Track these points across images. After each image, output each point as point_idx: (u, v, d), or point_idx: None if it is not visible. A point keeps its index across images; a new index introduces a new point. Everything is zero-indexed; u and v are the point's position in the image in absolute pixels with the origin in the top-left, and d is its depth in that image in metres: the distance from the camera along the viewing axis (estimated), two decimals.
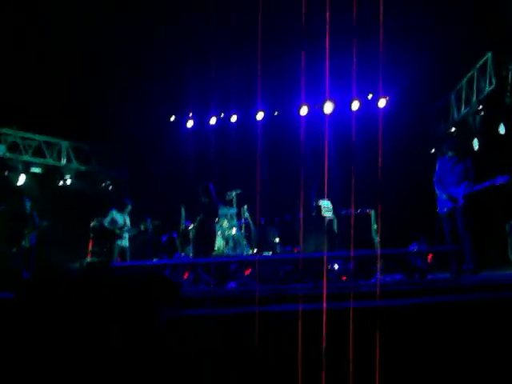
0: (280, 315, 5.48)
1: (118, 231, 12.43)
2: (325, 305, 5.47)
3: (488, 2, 11.19)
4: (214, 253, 13.06)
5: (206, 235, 11.41)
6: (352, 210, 12.98)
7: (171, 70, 14.43)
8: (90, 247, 13.00)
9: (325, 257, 7.25)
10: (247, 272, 7.77)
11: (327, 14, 9.25)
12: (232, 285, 7.99)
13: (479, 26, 11.76)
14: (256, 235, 14.36)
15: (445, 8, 11.96)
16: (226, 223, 13.73)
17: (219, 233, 13.56)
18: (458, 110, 13.58)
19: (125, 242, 12.63)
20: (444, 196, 9.66)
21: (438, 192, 9.86)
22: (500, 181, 9.01)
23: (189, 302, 5.80)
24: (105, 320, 4.70)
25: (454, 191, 9.56)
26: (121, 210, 12.78)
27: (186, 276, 7.96)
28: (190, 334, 5.28)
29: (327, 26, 9.52)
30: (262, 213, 14.44)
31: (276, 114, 16.85)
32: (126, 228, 12.61)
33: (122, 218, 12.68)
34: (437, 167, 10.06)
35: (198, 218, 11.56)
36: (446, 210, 9.71)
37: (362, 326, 5.10)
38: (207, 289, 7.35)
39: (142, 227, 13.06)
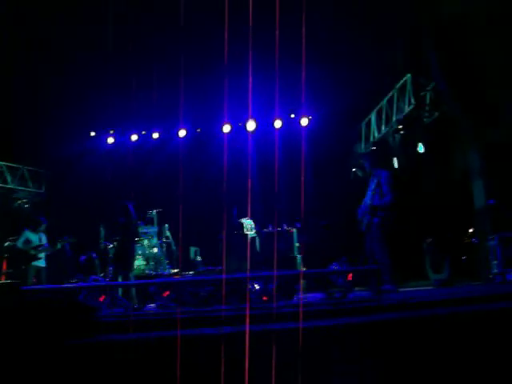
0: (199, 339, 5.33)
1: (32, 251, 11.98)
2: (247, 327, 5.36)
3: (408, 27, 11.43)
4: (134, 272, 12.78)
5: (125, 255, 11.13)
6: (274, 228, 12.95)
7: (92, 86, 14.13)
8: (4, 269, 12.52)
9: (246, 278, 7.14)
10: (166, 294, 7.56)
11: (249, 35, 9.27)
12: (151, 307, 7.78)
13: (400, 49, 12.01)
14: (177, 254, 14.16)
15: (367, 31, 12.17)
16: (146, 242, 13.49)
17: (140, 252, 13.31)
18: (379, 129, 13.79)
19: (41, 263, 12.17)
20: (362, 213, 9.74)
21: (361, 209, 9.95)
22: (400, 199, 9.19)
23: (105, 326, 5.57)
24: (9, 346, 4.44)
25: (367, 206, 9.65)
26: (35, 228, 12.33)
27: (102, 299, 7.68)
28: (105, 360, 5.07)
29: (250, 49, 9.54)
30: (184, 231, 14.25)
31: (198, 131, 16.72)
32: (41, 248, 12.16)
33: (36, 237, 12.23)
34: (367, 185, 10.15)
35: (118, 238, 11.28)
36: (364, 227, 9.79)
37: (284, 347, 5.01)
38: (124, 312, 7.11)
39: (59, 245, 12.62)
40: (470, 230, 11.78)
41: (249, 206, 12.74)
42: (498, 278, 9.59)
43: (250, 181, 14.43)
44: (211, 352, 5.06)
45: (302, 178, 11.70)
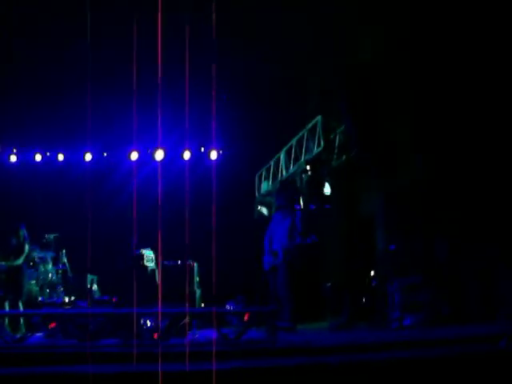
0: (84, 376, 5.02)
1: None
2: (134, 367, 5.11)
3: (320, 69, 11.57)
4: (26, 298, 12.23)
5: (16, 279, 10.66)
6: (176, 261, 12.73)
7: None
8: None
9: (136, 313, 6.85)
10: (52, 325, 7.16)
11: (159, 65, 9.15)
12: (38, 337, 7.34)
13: (312, 91, 12.13)
14: (73, 282, 13.66)
15: (279, 72, 12.27)
16: (42, 268, 12.97)
17: (34, 277, 12.77)
18: (287, 168, 13.84)
19: None
20: (269, 252, 9.69)
21: (265, 248, 9.89)
22: (312, 239, 9.23)
23: None
24: None
25: (277, 246, 9.61)
26: None
27: None
28: None
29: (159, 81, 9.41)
30: (82, 259, 13.80)
31: (105, 155, 16.31)
32: None
33: None
34: (270, 223, 10.13)
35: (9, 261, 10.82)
36: (269, 266, 9.73)
37: None
38: (2, 344, 6.67)
39: None
40: (372, 273, 11.88)
41: (159, 236, 12.44)
42: (394, 324, 9.65)
43: (159, 211, 14.14)
44: None
45: (213, 211, 11.50)
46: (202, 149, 15.89)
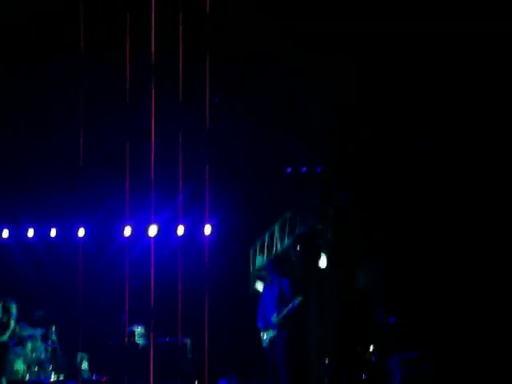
0: None
1: None
2: None
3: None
4: (13, 377, 11.92)
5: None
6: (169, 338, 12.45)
7: None
8: None
9: None
10: None
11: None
12: None
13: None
14: (63, 360, 13.29)
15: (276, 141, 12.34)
16: (30, 346, 12.64)
17: (21, 356, 12.44)
18: (282, 241, 13.69)
19: None
20: (264, 328, 9.49)
21: (259, 325, 9.70)
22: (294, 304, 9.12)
23: None
24: None
25: (271, 320, 9.41)
26: None
27: None
28: None
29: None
30: (72, 336, 13.50)
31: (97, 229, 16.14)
32: None
33: None
34: (260, 298, 9.96)
35: None
36: (266, 343, 9.51)
37: None
38: None
39: None
40: (371, 348, 11.61)
41: (152, 313, 12.21)
42: None
43: (152, 287, 13.89)
44: None
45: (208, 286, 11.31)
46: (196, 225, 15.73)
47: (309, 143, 11.81)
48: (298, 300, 9.47)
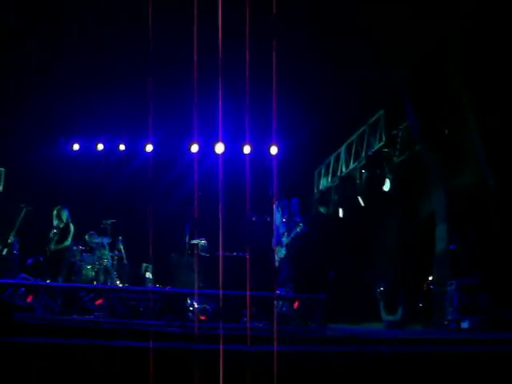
0: (128, 351, 4.94)
1: None
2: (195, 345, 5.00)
3: (383, 63, 11.31)
4: (82, 280, 12.34)
5: (57, 260, 10.77)
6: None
7: (59, 92, 13.79)
8: None
9: (185, 293, 6.75)
10: (98, 302, 7.12)
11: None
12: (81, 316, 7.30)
13: (374, 85, 11.86)
14: (128, 269, 13.72)
15: (342, 66, 12.05)
16: (97, 253, 13.04)
17: (89, 262, 12.86)
18: (347, 164, 13.58)
19: None
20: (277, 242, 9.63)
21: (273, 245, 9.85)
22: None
23: (24, 328, 5.13)
24: None
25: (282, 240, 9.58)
26: None
27: (29, 299, 7.23)
28: (19, 364, 4.65)
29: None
30: (138, 246, 13.87)
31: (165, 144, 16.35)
32: None
33: None
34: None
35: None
36: (277, 260, 9.66)
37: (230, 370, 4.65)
38: (48, 316, 6.66)
39: (11, 239, 12.24)
40: (430, 277, 11.55)
41: (220, 228, 12.39)
42: (452, 325, 9.31)
43: (220, 202, 14.05)
44: (137, 365, 4.70)
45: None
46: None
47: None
48: (300, 227, 9.53)
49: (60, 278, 10.71)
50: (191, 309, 6.95)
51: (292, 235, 9.44)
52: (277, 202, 10.19)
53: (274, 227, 10.04)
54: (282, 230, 9.64)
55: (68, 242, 11.48)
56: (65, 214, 11.56)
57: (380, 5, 10.08)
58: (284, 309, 7.49)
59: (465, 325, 9.21)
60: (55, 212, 11.72)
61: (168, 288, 9.01)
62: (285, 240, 9.49)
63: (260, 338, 5.77)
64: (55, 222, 11.62)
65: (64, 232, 11.54)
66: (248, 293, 7.50)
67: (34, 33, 11.86)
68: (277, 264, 9.74)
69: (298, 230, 9.45)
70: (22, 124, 15.16)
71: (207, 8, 9.02)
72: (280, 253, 9.64)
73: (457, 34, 9.65)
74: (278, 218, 9.91)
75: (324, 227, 14.83)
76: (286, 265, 9.41)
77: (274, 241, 9.89)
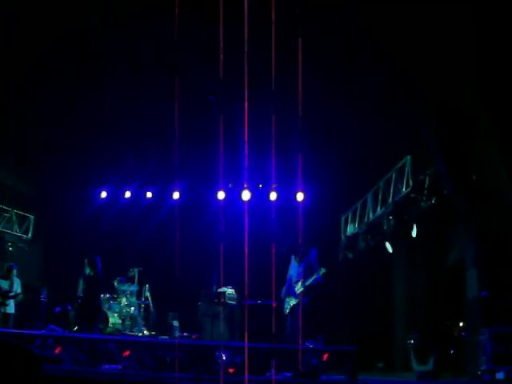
0: None
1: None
2: None
3: (409, 107, 11.31)
4: (108, 330, 12.31)
5: (90, 310, 10.76)
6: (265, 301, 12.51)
7: (90, 142, 14.04)
8: None
9: (215, 346, 6.66)
10: (126, 354, 7.04)
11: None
12: (109, 367, 7.22)
13: (400, 130, 11.86)
14: (155, 316, 13.66)
15: (368, 111, 12.09)
16: (124, 301, 13.03)
17: (117, 310, 12.85)
18: (374, 210, 13.48)
19: (9, 309, 11.82)
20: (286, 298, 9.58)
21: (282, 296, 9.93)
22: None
23: (51, 380, 5.09)
24: None
25: (293, 290, 9.57)
26: (5, 275, 12.06)
27: (58, 351, 7.17)
28: None
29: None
30: (165, 295, 13.85)
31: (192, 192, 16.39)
32: (11, 294, 11.84)
33: (7, 284, 11.92)
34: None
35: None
36: (288, 309, 9.61)
37: None
38: (76, 368, 6.60)
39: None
40: (461, 324, 11.33)
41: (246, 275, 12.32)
42: (486, 376, 9.05)
43: (246, 249, 14.01)
44: None
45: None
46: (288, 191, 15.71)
47: None
48: (322, 271, 9.60)
49: (89, 326, 10.68)
50: (219, 361, 6.85)
51: (307, 284, 9.48)
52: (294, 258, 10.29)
53: (287, 277, 10.11)
54: (296, 279, 9.71)
55: (99, 291, 11.52)
56: (96, 263, 11.61)
57: (409, 48, 10.15)
58: (313, 361, 7.36)
59: (500, 375, 8.95)
60: (87, 261, 11.76)
61: (196, 340, 8.93)
62: (298, 288, 9.54)
63: None
64: (87, 271, 11.65)
65: (95, 280, 11.59)
66: (275, 346, 7.41)
67: (60, 81, 12.14)
68: (286, 312, 9.76)
69: (314, 280, 9.50)
70: (50, 173, 15.40)
71: (231, 53, 9.13)
72: (291, 302, 9.67)
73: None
74: (292, 268, 9.98)
75: (350, 274, 14.70)
76: (298, 310, 9.42)
77: (283, 291, 9.96)
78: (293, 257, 10.32)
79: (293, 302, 9.68)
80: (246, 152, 10.55)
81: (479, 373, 9.38)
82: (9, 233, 15.89)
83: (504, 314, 9.37)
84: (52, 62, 11.68)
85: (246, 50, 8.59)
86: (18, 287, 12.15)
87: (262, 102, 9.81)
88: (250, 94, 9.06)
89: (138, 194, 16.84)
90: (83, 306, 11.10)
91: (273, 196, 15.49)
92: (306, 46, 8.87)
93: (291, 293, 9.86)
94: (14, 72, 11.49)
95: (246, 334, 8.07)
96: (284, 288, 10.19)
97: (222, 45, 8.40)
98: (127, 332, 12.52)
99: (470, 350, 10.17)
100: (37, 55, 11.49)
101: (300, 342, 8.73)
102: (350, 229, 15.04)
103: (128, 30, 11.00)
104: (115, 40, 11.13)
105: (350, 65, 11.31)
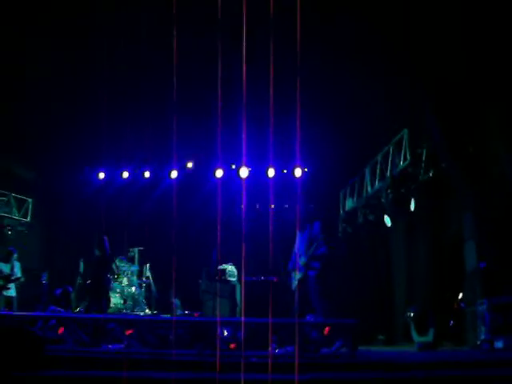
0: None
1: (1, 282, 11.72)
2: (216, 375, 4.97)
3: (407, 81, 11.26)
4: (110, 310, 12.37)
5: (99, 291, 10.77)
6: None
7: (85, 121, 13.97)
8: None
9: (216, 322, 6.72)
10: (128, 332, 7.10)
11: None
12: (112, 346, 7.28)
13: (397, 103, 11.82)
14: (156, 295, 13.74)
15: (365, 85, 12.03)
16: (125, 281, 13.10)
17: (118, 290, 12.91)
18: (372, 184, 13.48)
19: (11, 292, 11.90)
20: (293, 265, 9.57)
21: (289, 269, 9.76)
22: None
23: (54, 361, 5.14)
24: None
25: (299, 263, 9.50)
26: (6, 259, 12.09)
27: (60, 331, 7.24)
28: None
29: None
30: (165, 273, 13.89)
31: (189, 169, 16.32)
32: (12, 277, 11.89)
33: (8, 267, 11.97)
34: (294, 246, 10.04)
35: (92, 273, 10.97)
36: (295, 284, 9.60)
37: None
38: (78, 348, 6.66)
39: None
40: (460, 296, 11.39)
41: (243, 252, 12.35)
42: (485, 345, 9.13)
43: (243, 226, 14.02)
44: None
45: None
46: (285, 170, 15.72)
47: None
48: (328, 243, 9.51)
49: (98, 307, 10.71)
50: (220, 337, 6.91)
51: (309, 255, 9.38)
52: (299, 231, 10.18)
53: (293, 251, 10.05)
54: (300, 252, 9.61)
55: (108, 271, 11.49)
56: (104, 243, 11.52)
57: (406, 22, 10.09)
58: (314, 334, 7.41)
59: (499, 344, 9.03)
60: (98, 242, 11.65)
61: (197, 317, 8.96)
62: (302, 261, 9.46)
63: (289, 365, 5.70)
64: (96, 252, 11.57)
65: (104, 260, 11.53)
66: (275, 320, 7.44)
67: (60, 61, 12.09)
68: (293, 287, 9.71)
69: (317, 250, 9.37)
70: (47, 155, 15.38)
71: (231, 34, 9.08)
72: (297, 276, 9.63)
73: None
74: (298, 241, 9.89)
75: (350, 248, 14.75)
76: (310, 287, 9.31)
77: (289, 265, 9.89)
78: (299, 232, 10.25)
79: (298, 276, 9.61)
80: (244, 128, 10.55)
81: (478, 342, 9.47)
82: (8, 217, 15.93)
83: (502, 285, 9.43)
84: (48, 41, 11.62)
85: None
86: (18, 271, 12.22)
87: (260, 78, 9.77)
88: (248, 70, 9.03)
89: (136, 174, 16.86)
90: (94, 287, 11.09)
91: (271, 173, 15.49)
92: (304, 18, 8.84)
93: (297, 266, 9.76)
94: (9, 52, 11.45)
95: (243, 309, 8.13)
96: (290, 262, 10.08)
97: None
98: (129, 312, 12.60)
99: (470, 321, 10.25)
100: (34, 32, 11.43)
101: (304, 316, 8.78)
102: (349, 203, 15.06)
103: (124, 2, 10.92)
104: (112, 15, 11.04)
105: (347, 38, 11.24)
